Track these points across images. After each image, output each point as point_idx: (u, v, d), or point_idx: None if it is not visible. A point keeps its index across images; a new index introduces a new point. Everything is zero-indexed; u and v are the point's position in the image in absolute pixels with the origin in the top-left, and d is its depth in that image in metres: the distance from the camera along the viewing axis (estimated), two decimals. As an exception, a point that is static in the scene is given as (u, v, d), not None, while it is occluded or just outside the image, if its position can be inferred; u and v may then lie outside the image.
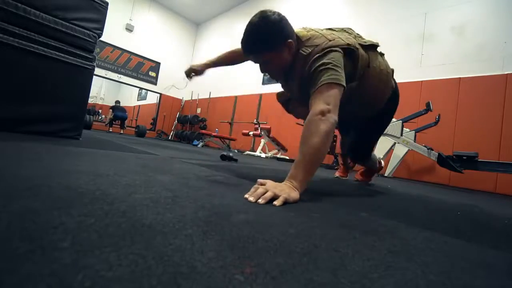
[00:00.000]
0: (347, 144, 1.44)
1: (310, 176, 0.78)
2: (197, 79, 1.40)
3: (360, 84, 1.00)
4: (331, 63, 0.85)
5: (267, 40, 0.86)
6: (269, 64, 0.93)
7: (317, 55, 0.88)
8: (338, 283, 0.28)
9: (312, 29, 0.98)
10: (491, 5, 3.17)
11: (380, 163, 1.80)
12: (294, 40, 0.90)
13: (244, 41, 0.89)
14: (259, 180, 0.74)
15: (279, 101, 1.31)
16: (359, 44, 0.98)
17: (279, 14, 0.88)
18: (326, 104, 0.80)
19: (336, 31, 1.02)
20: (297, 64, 0.92)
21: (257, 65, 0.98)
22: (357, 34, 1.07)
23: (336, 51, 0.88)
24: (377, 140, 1.46)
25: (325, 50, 0.88)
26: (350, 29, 1.08)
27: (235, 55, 1.24)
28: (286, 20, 0.89)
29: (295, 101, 1.20)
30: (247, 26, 0.87)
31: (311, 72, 0.87)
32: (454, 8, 3.42)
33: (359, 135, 1.34)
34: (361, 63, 0.97)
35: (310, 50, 0.90)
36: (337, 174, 1.98)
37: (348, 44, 0.92)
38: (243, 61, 1.22)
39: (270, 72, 0.99)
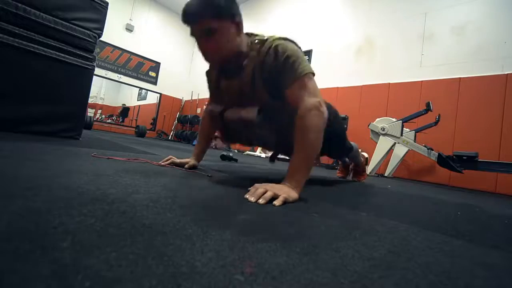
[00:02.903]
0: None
1: (308, 174, 0.79)
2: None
3: None
4: (297, 53, 0.83)
5: (216, 4, 0.77)
6: (214, 38, 0.79)
7: (278, 41, 0.84)
8: (338, 283, 0.28)
9: None
10: (491, 5, 3.17)
11: (362, 156, 1.86)
12: (241, 22, 0.85)
13: (189, 5, 0.79)
14: (256, 185, 0.72)
15: (213, 116, 1.01)
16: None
17: None
18: (315, 97, 0.79)
19: None
20: (252, 50, 0.87)
21: None
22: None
23: (292, 41, 0.87)
24: (340, 140, 1.31)
25: (281, 38, 0.86)
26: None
27: (210, 123, 1.11)
28: (236, 2, 0.83)
29: (233, 107, 0.95)
30: None
31: (283, 59, 0.81)
32: (454, 8, 3.42)
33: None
34: None
35: (266, 38, 0.87)
36: (338, 174, 1.99)
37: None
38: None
39: (213, 51, 0.83)
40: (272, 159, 1.18)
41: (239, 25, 0.84)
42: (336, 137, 1.22)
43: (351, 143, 1.48)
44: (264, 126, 0.91)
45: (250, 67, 0.86)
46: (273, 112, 0.90)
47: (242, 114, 0.89)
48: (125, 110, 8.40)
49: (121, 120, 7.99)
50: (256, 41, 0.88)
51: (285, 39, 0.88)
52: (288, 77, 0.82)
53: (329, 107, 1.04)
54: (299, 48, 0.89)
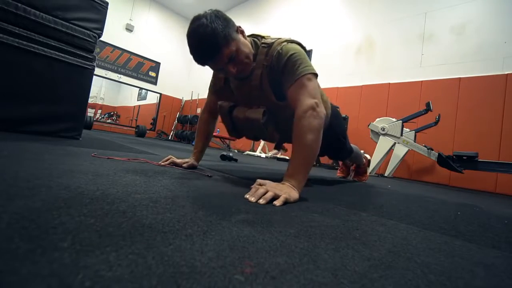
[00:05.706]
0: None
1: (307, 173, 0.79)
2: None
3: None
4: (299, 54, 0.84)
5: (221, 35, 0.75)
6: (237, 57, 0.81)
7: (283, 44, 0.86)
8: (338, 283, 0.28)
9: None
10: (491, 5, 3.17)
11: (365, 157, 1.87)
12: (240, 26, 0.86)
13: (197, 49, 0.79)
14: (258, 180, 0.74)
15: (223, 112, 1.04)
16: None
17: (212, 10, 0.80)
18: (312, 98, 0.80)
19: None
20: (260, 54, 0.88)
21: None
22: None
23: (297, 43, 0.90)
24: (341, 139, 1.30)
25: (287, 40, 0.88)
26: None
27: (210, 121, 1.18)
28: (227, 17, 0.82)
29: (242, 106, 0.99)
30: (191, 34, 0.77)
31: (285, 61, 0.83)
32: (454, 8, 3.42)
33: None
34: None
35: (274, 41, 0.88)
36: (338, 174, 1.99)
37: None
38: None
39: (242, 67, 0.85)
40: (278, 147, 1.19)
41: (241, 29, 0.86)
42: (336, 139, 1.26)
43: (351, 145, 1.48)
44: (269, 126, 0.96)
45: (259, 71, 0.88)
46: (279, 112, 0.94)
47: (249, 114, 0.95)
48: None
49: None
50: (263, 45, 0.89)
51: (291, 41, 0.89)
52: (289, 78, 0.84)
53: (332, 108, 1.11)
54: (304, 48, 0.91)
